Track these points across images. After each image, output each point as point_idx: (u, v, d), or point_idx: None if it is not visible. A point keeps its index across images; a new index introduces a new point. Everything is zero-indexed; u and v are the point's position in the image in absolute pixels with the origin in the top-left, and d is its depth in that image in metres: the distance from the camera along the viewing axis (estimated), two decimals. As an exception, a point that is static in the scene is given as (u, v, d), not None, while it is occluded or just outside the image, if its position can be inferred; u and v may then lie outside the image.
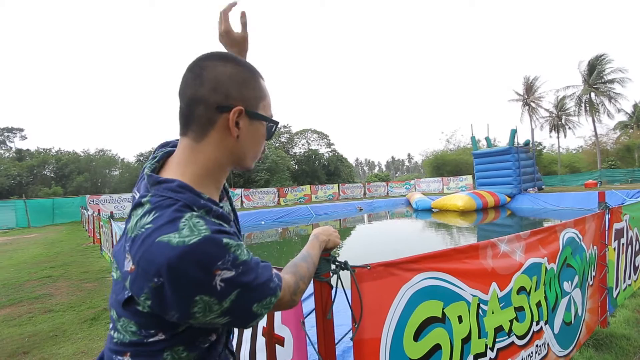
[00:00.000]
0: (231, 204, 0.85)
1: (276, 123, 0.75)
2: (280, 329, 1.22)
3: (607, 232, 2.57)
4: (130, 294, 0.60)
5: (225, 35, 0.94)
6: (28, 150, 36.28)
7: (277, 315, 1.24)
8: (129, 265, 0.59)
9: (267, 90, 0.73)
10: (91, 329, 3.44)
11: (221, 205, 0.70)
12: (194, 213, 0.59)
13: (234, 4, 0.93)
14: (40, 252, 8.76)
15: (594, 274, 2.47)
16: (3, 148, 38.98)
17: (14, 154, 35.85)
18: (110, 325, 0.69)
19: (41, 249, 9.48)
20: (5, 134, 40.08)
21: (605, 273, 2.57)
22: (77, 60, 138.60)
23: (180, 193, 0.61)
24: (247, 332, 1.38)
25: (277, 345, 1.22)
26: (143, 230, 0.57)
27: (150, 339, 0.62)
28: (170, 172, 0.68)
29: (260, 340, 1.31)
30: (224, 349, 0.76)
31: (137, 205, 0.62)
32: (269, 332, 1.26)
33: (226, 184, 0.83)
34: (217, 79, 0.65)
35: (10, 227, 16.87)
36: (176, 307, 0.56)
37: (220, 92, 0.65)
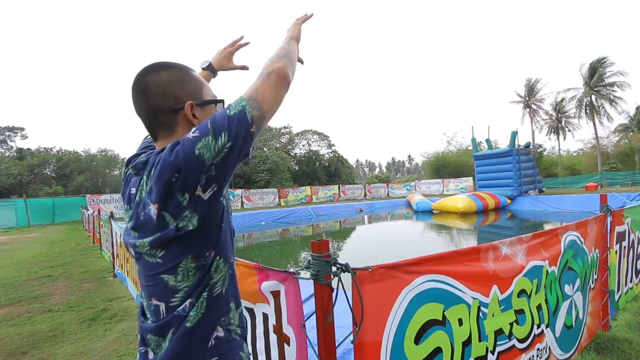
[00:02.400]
0: None
1: (222, 100, 0.86)
2: (287, 329, 1.22)
3: (608, 235, 2.56)
4: (168, 221, 0.69)
5: (227, 54, 1.23)
6: (29, 149, 36.29)
7: (284, 314, 1.24)
8: (153, 208, 0.70)
9: (202, 78, 0.84)
10: (90, 329, 3.43)
11: None
12: None
13: (246, 44, 1.26)
14: (40, 252, 8.75)
15: (595, 277, 2.46)
16: (4, 147, 39.00)
17: (15, 153, 35.86)
18: (148, 312, 0.76)
19: (41, 248, 9.47)
20: (6, 133, 40.11)
21: (606, 276, 2.55)
22: (78, 59, 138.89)
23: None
24: (260, 328, 1.38)
25: (284, 343, 1.22)
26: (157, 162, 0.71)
27: (203, 260, 0.72)
28: None
29: (273, 337, 1.32)
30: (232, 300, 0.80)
31: (140, 166, 0.76)
32: (278, 330, 1.26)
33: None
34: (161, 88, 0.76)
35: (11, 226, 16.86)
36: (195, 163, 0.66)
37: (169, 97, 0.76)
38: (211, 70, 1.22)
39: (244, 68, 1.26)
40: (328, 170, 39.32)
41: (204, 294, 0.72)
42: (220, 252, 0.75)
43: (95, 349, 2.96)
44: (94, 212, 11.80)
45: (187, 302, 0.70)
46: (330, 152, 40.90)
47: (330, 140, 41.12)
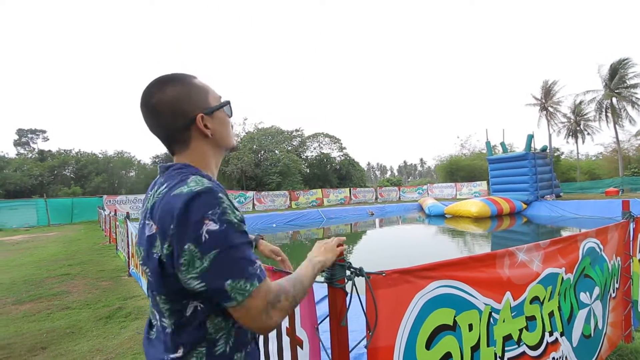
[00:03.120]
0: None
1: (228, 102, 0.87)
2: (300, 332, 1.22)
3: (631, 242, 2.47)
4: (158, 255, 0.69)
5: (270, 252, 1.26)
6: (50, 151, 37.52)
7: (297, 316, 1.24)
8: (152, 229, 0.70)
9: (204, 82, 0.84)
10: (106, 327, 3.52)
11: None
12: (198, 176, 0.73)
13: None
14: (59, 250, 9.02)
15: (617, 286, 2.37)
16: (26, 149, 40.50)
17: (37, 155, 37.15)
18: (154, 328, 0.78)
19: (60, 247, 9.77)
20: (29, 136, 41.67)
21: (629, 285, 2.46)
22: (96, 64, 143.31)
23: (184, 168, 0.77)
24: (272, 332, 1.39)
25: (297, 346, 1.23)
26: (159, 195, 0.72)
27: (188, 311, 0.70)
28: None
29: (286, 340, 1.33)
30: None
31: (153, 185, 0.79)
32: (291, 332, 1.27)
33: None
34: (170, 107, 0.76)
35: (32, 225, 17.45)
36: (176, 257, 0.65)
37: (179, 114, 0.77)
38: (256, 242, 1.26)
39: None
40: (339, 173, 39.26)
41: (201, 349, 0.70)
42: (214, 310, 0.72)
43: (111, 347, 3.03)
44: (110, 212, 12.12)
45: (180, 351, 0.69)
46: (342, 155, 40.84)
47: (341, 143, 41.05)
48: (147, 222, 0.72)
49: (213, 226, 0.64)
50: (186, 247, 0.64)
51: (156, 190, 0.74)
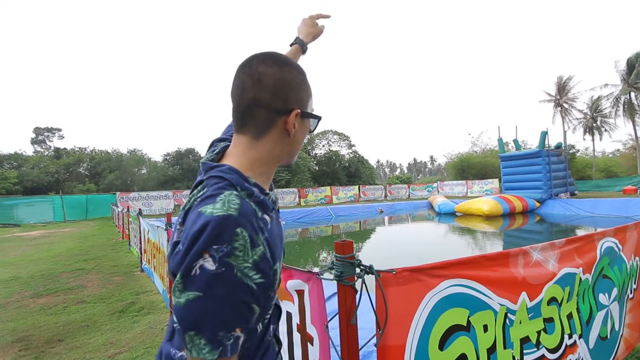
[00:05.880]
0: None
1: (320, 118, 0.78)
2: (310, 328, 1.22)
3: (651, 242, 2.39)
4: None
5: (310, 20, 1.18)
6: (65, 149, 38.40)
7: (307, 313, 1.24)
8: (179, 236, 0.63)
9: (310, 88, 0.77)
10: (119, 320, 3.59)
11: (269, 194, 0.73)
12: (234, 192, 0.62)
13: (327, 16, 1.19)
14: (75, 246, 9.26)
15: (634, 286, 2.31)
16: (43, 147, 41.60)
17: (53, 152, 38.10)
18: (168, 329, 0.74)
19: (75, 242, 10.02)
20: (46, 134, 42.77)
21: (648, 286, 2.38)
22: (112, 64, 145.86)
23: (228, 174, 0.66)
24: (283, 327, 1.39)
25: (308, 343, 1.23)
26: (194, 202, 0.64)
27: None
28: (227, 161, 0.72)
29: (297, 336, 1.33)
30: (269, 336, 0.75)
31: (195, 185, 0.70)
32: (302, 329, 1.27)
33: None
34: (277, 85, 0.68)
35: (49, 221, 17.96)
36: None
37: (280, 97, 0.68)
38: (300, 44, 1.14)
39: (326, 17, 1.20)
40: (348, 171, 39.14)
41: None
42: None
43: (124, 340, 3.09)
44: (123, 209, 12.34)
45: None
46: (351, 153, 40.68)
47: (350, 141, 40.91)
48: (178, 226, 0.66)
49: (209, 264, 0.54)
50: (179, 273, 0.56)
51: (196, 193, 0.66)
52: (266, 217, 0.67)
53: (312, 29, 1.17)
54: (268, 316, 0.72)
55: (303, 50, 1.17)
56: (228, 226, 0.56)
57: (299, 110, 0.70)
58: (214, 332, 0.55)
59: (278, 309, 0.83)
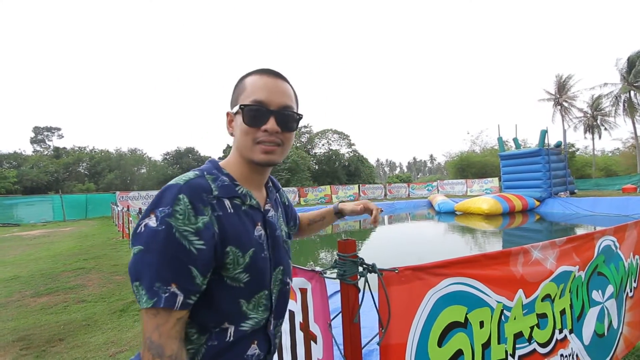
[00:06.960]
0: (285, 203, 1.00)
1: (246, 105, 0.75)
2: (313, 327, 1.23)
3: (650, 240, 2.40)
4: None
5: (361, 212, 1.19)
6: (64, 148, 38.39)
7: (311, 312, 1.25)
8: None
9: (252, 82, 0.77)
10: (120, 319, 3.60)
11: (254, 201, 0.77)
12: (197, 172, 0.71)
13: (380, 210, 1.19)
14: (75, 245, 9.25)
15: (634, 285, 2.31)
16: (42, 146, 41.57)
17: (52, 152, 38.06)
18: None
19: (75, 241, 10.01)
20: (45, 133, 42.72)
21: (647, 285, 2.39)
22: (111, 63, 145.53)
23: (205, 164, 0.78)
24: (286, 325, 1.40)
25: (311, 341, 1.23)
26: None
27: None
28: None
29: (299, 335, 1.34)
30: (256, 335, 0.76)
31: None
32: (305, 327, 1.27)
33: (277, 184, 0.96)
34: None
35: (48, 220, 17.94)
36: None
37: (231, 102, 0.82)
38: (336, 210, 1.23)
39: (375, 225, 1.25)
40: (348, 170, 39.15)
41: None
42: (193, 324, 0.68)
43: (125, 339, 3.10)
44: (123, 208, 12.34)
45: None
46: (351, 152, 40.68)
47: (350, 140, 40.91)
48: None
49: (152, 222, 0.61)
50: (133, 233, 0.64)
51: None
52: (227, 201, 0.71)
53: (356, 212, 1.20)
54: (246, 327, 0.72)
55: (335, 212, 1.23)
56: (172, 192, 0.63)
57: (228, 111, 0.80)
58: (151, 282, 0.59)
59: (266, 336, 0.81)
